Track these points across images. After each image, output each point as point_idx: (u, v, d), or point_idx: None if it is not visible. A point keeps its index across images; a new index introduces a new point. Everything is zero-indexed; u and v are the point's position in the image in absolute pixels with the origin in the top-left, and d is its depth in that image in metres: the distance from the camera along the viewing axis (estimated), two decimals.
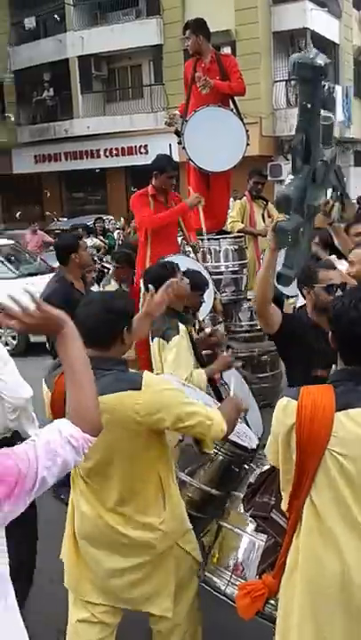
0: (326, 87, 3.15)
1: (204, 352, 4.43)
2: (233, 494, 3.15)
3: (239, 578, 2.84)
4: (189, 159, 6.22)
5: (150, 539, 2.66)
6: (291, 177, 3.24)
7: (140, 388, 2.56)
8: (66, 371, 1.89)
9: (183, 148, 6.18)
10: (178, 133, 6.26)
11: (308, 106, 3.13)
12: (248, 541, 2.93)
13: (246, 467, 3.24)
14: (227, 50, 20.86)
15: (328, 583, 2.19)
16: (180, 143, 6.24)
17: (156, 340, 3.94)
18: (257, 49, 21.67)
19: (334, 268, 4.33)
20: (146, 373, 2.66)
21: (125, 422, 2.54)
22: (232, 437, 3.07)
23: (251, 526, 2.91)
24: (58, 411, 2.61)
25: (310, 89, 3.12)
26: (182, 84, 6.61)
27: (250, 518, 2.87)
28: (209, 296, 5.57)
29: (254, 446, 3.40)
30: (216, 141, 6.17)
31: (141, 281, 4.49)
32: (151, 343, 4.06)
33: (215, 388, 4.18)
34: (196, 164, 6.24)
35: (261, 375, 6.58)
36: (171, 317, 3.91)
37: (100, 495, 2.67)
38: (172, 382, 3.19)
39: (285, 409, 2.29)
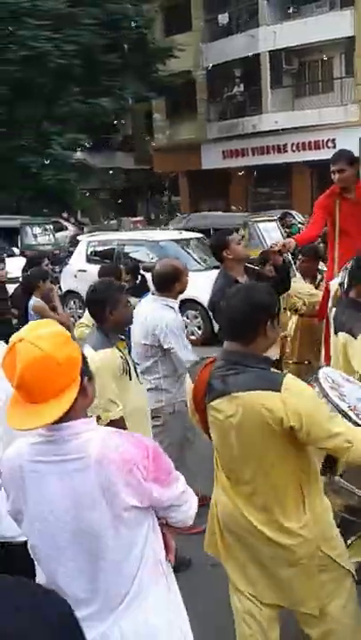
0: None
1: None
2: None
3: None
4: None
5: (290, 544, 2.58)
6: None
7: (279, 390, 2.44)
8: None
9: None
10: None
11: None
12: None
13: None
14: None
15: None
16: None
17: (341, 334, 3.70)
18: None
19: None
20: (288, 376, 2.56)
21: (259, 422, 2.46)
22: None
23: None
24: (200, 402, 2.66)
25: None
26: None
27: None
28: None
29: None
30: None
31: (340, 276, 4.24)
32: (334, 337, 3.86)
33: None
34: None
35: None
36: (358, 311, 3.69)
37: (239, 492, 2.65)
38: (342, 382, 3.07)
39: None
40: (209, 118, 28.84)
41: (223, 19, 27.18)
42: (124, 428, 3.42)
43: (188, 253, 11.82)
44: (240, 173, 28.42)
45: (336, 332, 3.79)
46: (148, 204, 35.72)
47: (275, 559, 2.64)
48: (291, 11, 25.26)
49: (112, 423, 3.41)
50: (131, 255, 11.49)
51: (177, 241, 12.27)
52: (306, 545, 2.59)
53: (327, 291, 5.03)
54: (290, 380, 2.50)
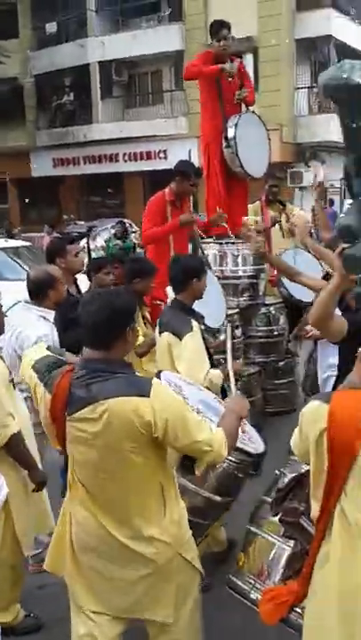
0: None
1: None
2: (263, 499, 3.10)
3: (264, 583, 2.76)
4: (240, 165, 6.32)
5: (151, 553, 2.55)
6: (349, 203, 2.97)
7: (148, 395, 2.44)
8: None
9: (232, 153, 6.28)
10: (226, 138, 6.31)
11: (353, 125, 2.81)
12: (277, 547, 2.88)
13: (252, 473, 3.17)
14: (249, 57, 20.85)
15: (357, 596, 2.13)
16: (228, 147, 6.30)
17: (165, 334, 3.78)
18: (279, 56, 21.60)
19: None
20: (156, 381, 2.56)
21: (127, 429, 2.43)
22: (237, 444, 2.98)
23: (280, 532, 2.88)
24: (59, 412, 2.53)
25: (350, 108, 2.79)
26: None
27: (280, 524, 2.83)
28: (220, 301, 5.49)
29: (261, 450, 3.32)
30: (253, 148, 6.41)
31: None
32: (158, 337, 3.93)
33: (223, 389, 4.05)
34: (245, 171, 6.38)
35: (278, 381, 6.51)
36: (182, 312, 3.80)
37: (99, 503, 2.56)
38: (182, 386, 3.10)
39: (316, 412, 2.26)
40: (38, 126, 28.33)
41: (51, 27, 26.97)
42: (23, 441, 3.33)
43: (17, 262, 11.41)
44: (72, 182, 28.15)
45: (160, 333, 3.87)
46: None
47: (132, 569, 2.57)
48: (120, 23, 25.52)
49: (12, 438, 3.26)
50: None
51: (3, 249, 11.95)
52: (166, 550, 2.59)
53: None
54: (158, 386, 2.51)
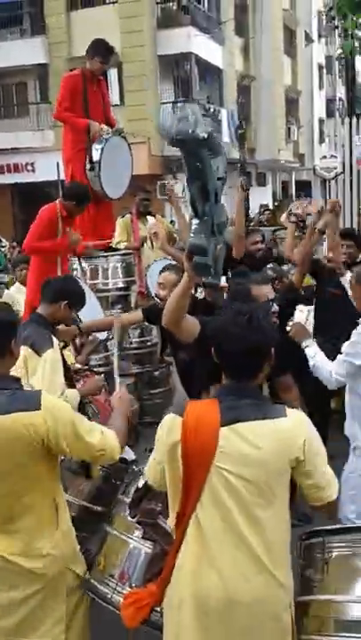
0: (209, 134, 2.75)
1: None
2: (118, 498, 3.05)
3: (125, 586, 2.74)
4: (101, 187, 6.35)
5: (38, 568, 2.49)
6: (196, 223, 3.10)
7: (39, 408, 2.42)
8: None
9: (95, 176, 6.30)
10: (91, 160, 6.32)
11: (198, 164, 2.88)
12: (134, 548, 2.82)
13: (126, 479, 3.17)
14: (114, 71, 21.06)
15: (210, 600, 2.17)
16: (91, 170, 6.30)
17: (23, 348, 3.62)
18: (144, 71, 21.97)
19: (267, 282, 4.45)
20: (44, 393, 2.54)
21: (20, 444, 2.40)
22: None
23: (137, 533, 2.82)
24: None
25: (195, 155, 2.85)
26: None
27: (137, 525, 2.80)
28: (97, 316, 5.54)
29: (133, 457, 3.38)
30: (116, 171, 6.49)
31: None
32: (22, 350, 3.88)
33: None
34: (104, 192, 6.42)
35: (153, 391, 6.60)
36: (42, 326, 3.73)
37: None
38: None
39: (171, 424, 2.28)
40: None
41: None
42: None
43: None
44: None
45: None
46: None
47: (20, 587, 2.49)
48: None
49: None
50: None
51: None
52: (56, 564, 2.54)
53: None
54: (47, 397, 2.49)
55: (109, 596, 2.73)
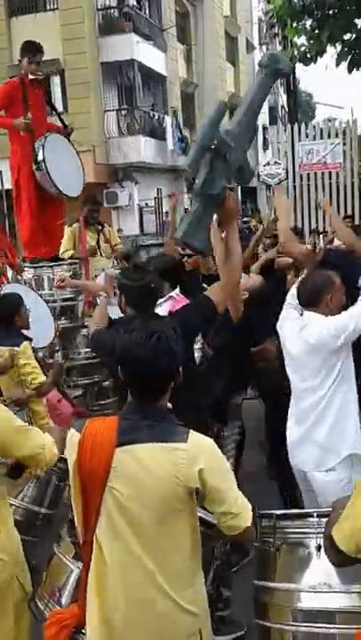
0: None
1: None
2: (70, 517, 3.04)
3: (56, 604, 2.70)
4: (54, 185, 6.21)
5: None
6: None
7: None
8: None
9: (44, 171, 6.16)
10: (36, 161, 6.21)
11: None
12: (68, 568, 2.79)
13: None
14: (56, 78, 20.90)
15: (115, 624, 2.14)
16: (38, 169, 6.18)
17: None
18: (86, 78, 21.80)
19: None
20: None
21: None
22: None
23: (73, 552, 2.80)
24: None
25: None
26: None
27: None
28: (48, 325, 5.47)
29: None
30: (64, 166, 6.35)
31: None
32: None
33: None
34: (60, 191, 6.27)
35: (103, 402, 6.53)
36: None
37: None
38: None
39: (70, 441, 2.23)
40: None
41: None
42: None
43: None
44: None
45: None
46: None
47: None
48: None
49: None
50: None
51: None
52: (6, 571, 2.56)
53: None
54: None
55: (44, 614, 2.70)
